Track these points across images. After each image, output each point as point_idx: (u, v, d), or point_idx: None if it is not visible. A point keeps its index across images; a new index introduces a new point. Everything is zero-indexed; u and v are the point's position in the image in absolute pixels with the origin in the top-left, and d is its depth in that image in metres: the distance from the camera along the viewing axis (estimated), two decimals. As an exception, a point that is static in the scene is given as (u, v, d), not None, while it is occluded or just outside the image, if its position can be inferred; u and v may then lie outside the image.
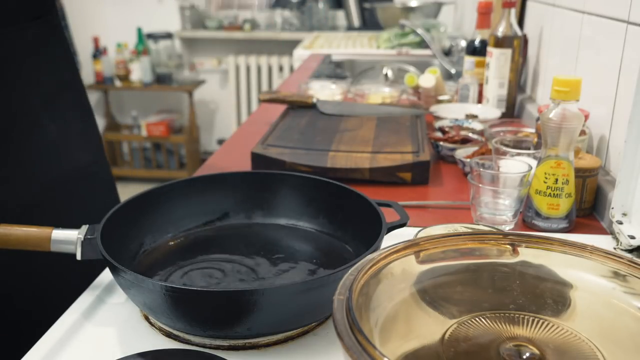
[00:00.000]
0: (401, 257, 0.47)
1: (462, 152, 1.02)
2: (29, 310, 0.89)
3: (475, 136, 1.11)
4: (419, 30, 2.01)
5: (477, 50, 1.41)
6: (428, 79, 1.42)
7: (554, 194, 0.77)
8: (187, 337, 0.56)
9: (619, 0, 0.88)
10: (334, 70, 2.02)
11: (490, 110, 1.29)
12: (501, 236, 0.50)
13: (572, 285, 0.48)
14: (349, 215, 0.71)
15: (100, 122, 3.75)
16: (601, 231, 0.80)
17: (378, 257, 0.45)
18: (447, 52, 2.03)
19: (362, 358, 0.34)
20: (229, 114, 3.96)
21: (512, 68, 1.32)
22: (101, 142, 0.92)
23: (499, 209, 0.79)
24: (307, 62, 2.23)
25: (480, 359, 0.42)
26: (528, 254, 0.49)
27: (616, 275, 0.46)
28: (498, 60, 1.31)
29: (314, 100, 1.27)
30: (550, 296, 0.47)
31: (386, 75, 1.74)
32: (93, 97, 3.82)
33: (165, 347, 0.54)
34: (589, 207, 0.84)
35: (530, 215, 0.80)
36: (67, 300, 0.63)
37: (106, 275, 0.67)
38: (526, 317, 0.45)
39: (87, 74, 3.75)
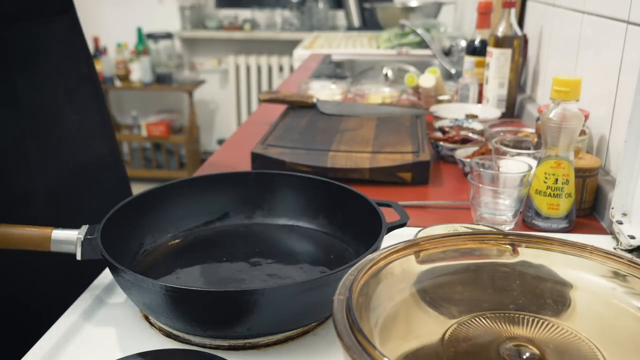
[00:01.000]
0: (401, 257, 0.47)
1: (462, 152, 1.02)
2: (29, 310, 0.89)
3: (475, 136, 1.11)
4: (419, 30, 2.01)
5: (477, 50, 1.41)
6: (428, 79, 1.42)
7: (554, 194, 0.77)
8: (187, 337, 0.56)
9: (619, 0, 0.88)
10: (334, 70, 2.02)
11: (490, 110, 1.29)
12: (501, 236, 0.50)
13: (572, 285, 0.48)
14: (349, 215, 0.71)
15: (100, 122, 3.74)
16: (601, 231, 0.80)
17: (378, 257, 0.45)
18: (447, 52, 2.03)
19: (362, 358, 0.34)
20: (229, 114, 3.96)
21: (512, 68, 1.32)
22: (114, 134, 0.96)
23: (499, 209, 0.79)
24: (307, 62, 2.23)
25: (480, 359, 0.42)
26: (528, 254, 0.49)
27: (616, 275, 0.46)
28: (498, 60, 1.31)
29: (314, 100, 1.27)
30: (550, 296, 0.47)
31: (386, 75, 1.74)
32: (93, 97, 3.81)
33: (165, 347, 0.54)
34: (589, 207, 0.84)
35: (530, 215, 0.80)
36: (67, 300, 0.63)
37: (106, 275, 0.67)
38: (526, 317, 0.45)
39: (87, 74, 3.74)
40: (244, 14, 3.86)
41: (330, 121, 1.16)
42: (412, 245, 0.47)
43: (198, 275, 0.64)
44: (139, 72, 3.65)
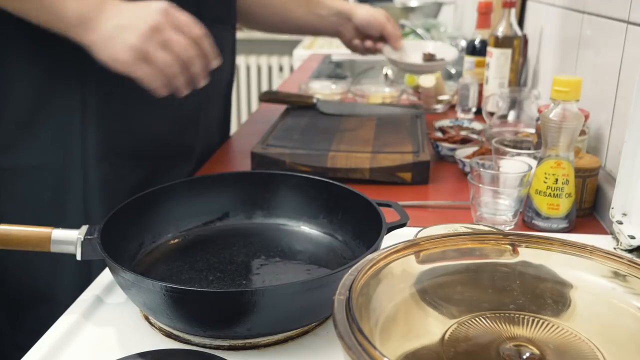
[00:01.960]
0: (401, 257, 0.47)
1: (462, 152, 1.02)
2: (28, 309, 0.89)
3: (475, 136, 1.11)
4: (419, 30, 2.00)
5: (477, 50, 1.41)
6: (428, 79, 1.42)
7: (554, 194, 0.77)
8: (187, 337, 0.56)
9: (619, 0, 0.88)
10: (334, 70, 2.02)
11: (447, 48, 1.32)
12: (501, 236, 0.50)
13: (572, 285, 0.48)
14: (349, 215, 0.71)
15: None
16: (601, 231, 0.80)
17: (378, 257, 0.45)
18: (447, 52, 2.03)
19: (362, 358, 0.34)
20: (229, 114, 3.96)
21: (512, 68, 1.32)
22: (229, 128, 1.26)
23: (499, 209, 0.79)
24: (307, 62, 2.23)
25: (480, 359, 0.42)
26: (528, 254, 0.49)
27: (616, 275, 0.46)
28: (498, 60, 1.31)
29: (314, 100, 1.27)
30: (550, 296, 0.47)
31: (386, 75, 1.74)
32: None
33: (165, 347, 0.54)
34: (589, 207, 0.84)
35: (530, 215, 0.80)
36: (67, 300, 0.63)
37: (106, 275, 0.67)
38: (526, 317, 0.45)
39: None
40: (244, 14, 3.86)
41: (330, 121, 1.16)
42: (412, 245, 0.47)
43: (198, 275, 0.64)
44: (139, 72, 3.64)
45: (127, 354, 0.52)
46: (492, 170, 0.82)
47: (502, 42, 1.30)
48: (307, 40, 2.86)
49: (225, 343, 0.55)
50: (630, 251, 0.71)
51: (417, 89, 1.51)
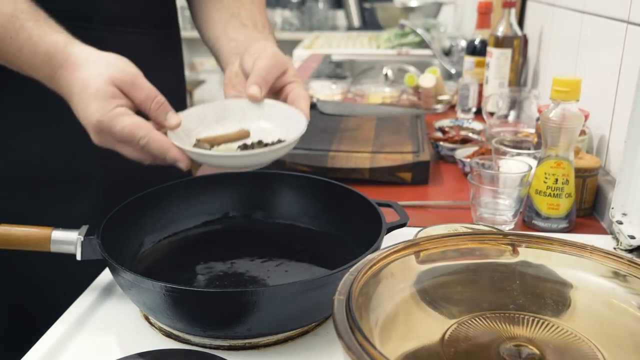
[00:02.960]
0: (401, 257, 0.47)
1: (462, 152, 1.02)
2: (28, 310, 0.89)
3: (475, 136, 1.11)
4: (419, 30, 2.01)
5: (477, 50, 1.41)
6: (428, 79, 1.42)
7: (554, 194, 0.77)
8: (187, 337, 0.56)
9: (619, 0, 0.88)
10: (334, 70, 2.02)
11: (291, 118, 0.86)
12: (501, 236, 0.50)
13: (572, 285, 0.48)
14: (349, 215, 0.71)
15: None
16: (601, 231, 0.80)
17: (378, 257, 0.45)
18: (447, 52, 2.03)
19: (362, 358, 0.34)
20: (229, 114, 3.95)
21: (512, 68, 1.32)
22: None
23: (499, 209, 0.79)
24: (307, 62, 2.23)
25: (480, 359, 0.42)
26: (528, 254, 0.49)
27: (616, 275, 0.46)
28: (498, 60, 1.31)
29: (314, 100, 1.27)
30: (550, 296, 0.47)
31: (386, 75, 1.74)
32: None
33: (165, 347, 0.54)
34: (589, 207, 0.84)
35: (530, 215, 0.80)
36: (67, 300, 0.63)
37: (106, 275, 0.67)
38: (526, 317, 0.45)
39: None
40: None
41: (330, 121, 1.16)
42: (412, 245, 0.47)
43: (198, 275, 0.64)
44: (139, 72, 3.64)
45: (127, 354, 0.52)
46: (492, 170, 0.82)
47: (502, 42, 1.30)
48: (307, 40, 2.87)
49: (225, 343, 0.55)
50: (630, 251, 0.71)
51: (417, 89, 1.51)
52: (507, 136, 1.02)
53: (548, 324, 0.45)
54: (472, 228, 0.69)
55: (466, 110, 1.36)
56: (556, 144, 0.75)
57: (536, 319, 0.45)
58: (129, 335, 0.57)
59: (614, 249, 0.73)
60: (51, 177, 0.81)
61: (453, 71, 1.77)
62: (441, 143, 1.07)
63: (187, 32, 3.66)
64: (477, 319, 0.45)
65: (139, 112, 0.65)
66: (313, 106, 1.26)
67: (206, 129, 0.70)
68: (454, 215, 0.86)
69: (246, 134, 0.70)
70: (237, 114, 0.71)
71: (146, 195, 0.70)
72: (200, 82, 3.73)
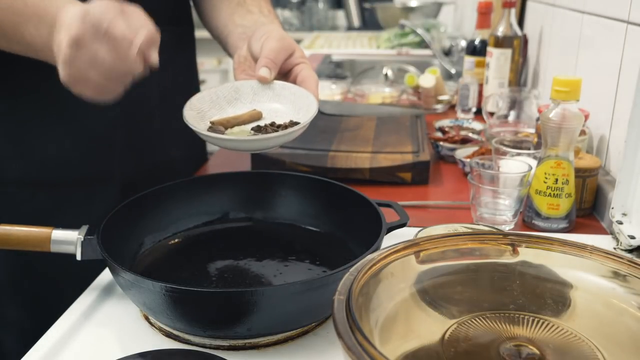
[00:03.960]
0: (401, 257, 0.47)
1: (462, 152, 1.02)
2: (28, 310, 0.89)
3: (475, 136, 1.11)
4: (419, 30, 2.01)
5: (477, 50, 1.41)
6: (428, 79, 1.42)
7: (554, 194, 0.77)
8: (187, 337, 0.56)
9: (619, 0, 0.88)
10: (334, 70, 2.02)
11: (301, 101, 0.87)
12: (501, 236, 0.50)
13: (572, 285, 0.48)
14: (349, 215, 0.71)
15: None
16: (601, 231, 0.80)
17: (378, 257, 0.45)
18: (447, 52, 2.03)
19: (362, 358, 0.34)
20: (229, 114, 3.95)
21: (512, 68, 1.32)
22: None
23: (499, 209, 0.79)
24: (307, 62, 2.23)
25: (480, 359, 0.42)
26: (528, 254, 0.49)
27: (616, 275, 0.46)
28: (498, 60, 1.31)
29: (314, 100, 1.27)
30: (550, 296, 0.47)
31: (386, 75, 1.74)
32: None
33: (165, 347, 0.54)
34: (589, 207, 0.84)
35: (530, 215, 0.80)
36: (67, 300, 0.63)
37: (106, 275, 0.67)
38: (526, 317, 0.45)
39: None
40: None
41: (330, 121, 1.16)
42: (412, 245, 0.47)
43: (198, 275, 0.64)
44: (139, 72, 3.64)
45: (127, 354, 0.52)
46: (492, 170, 0.82)
47: (502, 42, 1.30)
48: (307, 40, 2.87)
49: (225, 343, 0.55)
50: (630, 251, 0.71)
51: (417, 89, 1.51)
52: (507, 136, 1.02)
53: (548, 324, 0.45)
54: (472, 228, 0.69)
55: (466, 110, 1.36)
56: (556, 144, 0.75)
57: (536, 319, 0.45)
58: (129, 335, 0.57)
59: (614, 249, 0.73)
60: (71, 178, 0.82)
61: (453, 71, 1.77)
62: (441, 143, 1.07)
63: (187, 32, 3.68)
64: (477, 319, 0.45)
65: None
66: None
67: (219, 111, 0.71)
68: (454, 215, 0.86)
69: (259, 116, 0.70)
70: (248, 96, 0.72)
71: (146, 195, 0.70)
72: (200, 82, 3.74)
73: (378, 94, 1.49)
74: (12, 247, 0.61)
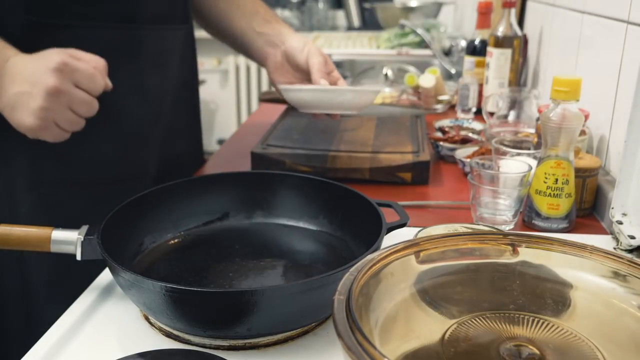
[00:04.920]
0: (401, 257, 0.47)
1: (462, 152, 1.02)
2: (28, 310, 0.89)
3: (475, 136, 1.11)
4: (419, 30, 2.01)
5: (477, 50, 1.41)
6: (428, 79, 1.42)
7: (554, 194, 0.77)
8: (187, 337, 0.56)
9: (619, 0, 0.88)
10: (334, 70, 2.01)
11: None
12: (501, 236, 0.50)
13: (572, 285, 0.48)
14: (349, 215, 0.71)
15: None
16: (601, 231, 0.80)
17: (378, 257, 0.45)
18: (447, 52, 2.03)
19: (362, 358, 0.34)
20: (229, 114, 3.96)
21: (512, 68, 1.32)
22: (200, 137, 1.13)
23: (499, 209, 0.79)
24: (307, 62, 2.23)
25: (480, 359, 0.42)
26: (528, 254, 0.49)
27: (616, 275, 0.46)
28: (498, 60, 1.31)
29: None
30: (550, 296, 0.47)
31: (386, 75, 1.74)
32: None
33: (165, 347, 0.54)
34: (589, 207, 0.84)
35: (530, 215, 0.80)
36: (67, 300, 0.63)
37: (106, 275, 0.67)
38: (526, 317, 0.45)
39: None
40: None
41: (331, 121, 1.16)
42: (412, 245, 0.47)
43: (198, 275, 0.64)
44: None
45: (127, 354, 0.52)
46: (492, 170, 0.82)
47: (502, 42, 1.30)
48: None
49: (225, 343, 0.55)
50: (630, 251, 0.71)
51: (417, 89, 1.51)
52: (507, 136, 1.02)
53: (548, 324, 0.45)
54: (472, 228, 0.69)
55: (466, 110, 1.36)
56: (556, 144, 0.75)
57: (536, 319, 0.45)
58: (129, 335, 0.57)
59: (614, 249, 0.73)
60: (107, 176, 0.86)
61: (453, 71, 1.77)
62: (441, 143, 1.07)
63: (187, 32, 3.67)
64: (477, 319, 0.45)
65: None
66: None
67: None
68: (454, 215, 0.86)
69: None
70: None
71: (146, 195, 0.70)
72: (200, 82, 3.74)
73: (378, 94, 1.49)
74: (12, 247, 0.61)
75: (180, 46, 0.97)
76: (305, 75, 0.96)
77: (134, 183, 0.85)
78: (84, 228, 0.61)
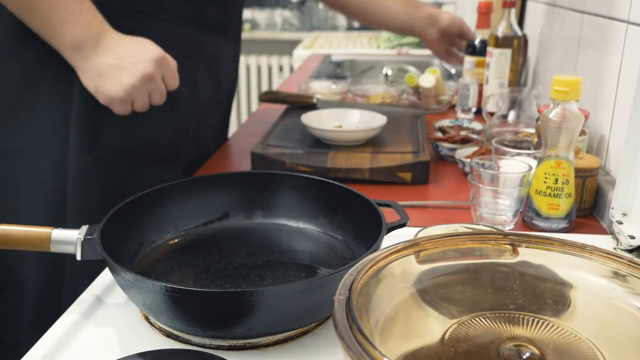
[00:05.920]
0: (401, 257, 0.47)
1: (462, 152, 1.02)
2: (28, 309, 0.89)
3: (475, 136, 1.11)
4: (419, 30, 2.00)
5: (477, 50, 1.41)
6: (428, 79, 1.42)
7: (554, 194, 0.77)
8: (187, 337, 0.56)
9: (619, 0, 0.88)
10: (334, 70, 2.02)
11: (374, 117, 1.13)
12: (501, 236, 0.50)
13: (572, 285, 0.48)
14: (349, 215, 0.71)
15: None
16: (601, 231, 0.80)
17: (378, 257, 0.45)
18: (447, 52, 2.03)
19: (362, 358, 0.34)
20: (229, 114, 3.96)
21: (512, 68, 1.32)
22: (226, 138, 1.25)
23: (499, 209, 0.79)
24: (307, 62, 2.23)
25: (480, 359, 0.42)
26: (528, 254, 0.49)
27: (616, 275, 0.46)
28: (498, 60, 1.31)
29: (314, 100, 1.27)
30: (550, 296, 0.47)
31: (386, 75, 1.74)
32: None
33: (165, 347, 0.54)
34: (589, 207, 0.84)
35: (530, 215, 0.80)
36: (67, 300, 0.63)
37: (106, 275, 0.67)
38: (526, 317, 0.45)
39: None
40: (244, 13, 3.86)
41: (330, 121, 1.16)
42: (412, 245, 0.47)
43: (198, 275, 0.64)
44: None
45: (127, 354, 0.52)
46: (492, 170, 0.82)
47: (502, 42, 1.30)
48: (307, 40, 2.87)
49: (225, 343, 0.55)
50: (630, 251, 0.71)
51: (417, 89, 1.51)
52: (507, 136, 1.02)
53: (548, 324, 0.45)
54: (472, 228, 0.69)
55: (466, 110, 1.36)
56: (556, 144, 0.75)
57: (536, 319, 0.45)
58: (129, 335, 0.57)
59: (614, 249, 0.73)
60: (154, 153, 0.95)
61: (453, 71, 1.77)
62: (441, 143, 1.07)
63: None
64: (477, 319, 0.45)
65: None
66: (313, 106, 1.26)
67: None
68: (454, 215, 0.86)
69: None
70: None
71: (146, 195, 0.70)
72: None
73: (378, 94, 1.49)
74: (12, 247, 0.61)
75: (230, 58, 1.11)
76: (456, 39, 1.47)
77: (168, 164, 0.98)
78: (84, 228, 0.62)
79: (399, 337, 0.43)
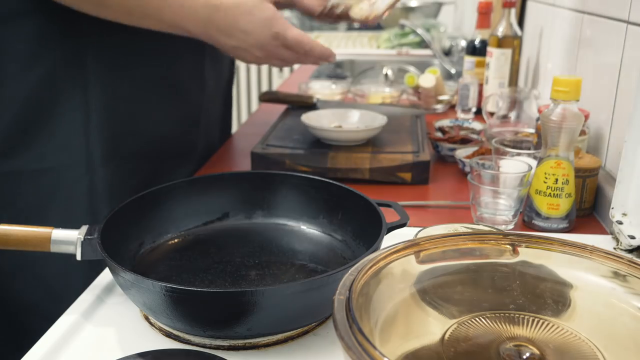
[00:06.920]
0: (401, 257, 0.47)
1: (462, 152, 1.02)
2: (28, 309, 0.89)
3: (475, 136, 1.11)
4: (419, 30, 2.00)
5: (477, 50, 1.41)
6: (428, 79, 1.42)
7: (554, 194, 0.77)
8: (187, 337, 0.56)
9: (619, 0, 0.88)
10: (334, 70, 2.02)
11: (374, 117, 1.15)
12: (501, 236, 0.50)
13: (572, 285, 0.48)
14: (349, 215, 0.71)
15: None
16: (601, 231, 0.80)
17: (378, 257, 0.45)
18: (447, 52, 2.03)
19: (362, 358, 0.34)
20: (229, 114, 3.96)
21: (512, 68, 1.32)
22: (230, 127, 1.29)
23: (499, 209, 0.79)
24: (307, 62, 2.22)
25: (480, 359, 0.42)
26: (528, 254, 0.49)
27: (616, 275, 0.46)
28: (498, 60, 1.31)
29: (314, 100, 1.28)
30: (550, 296, 0.47)
31: (386, 75, 1.74)
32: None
33: (165, 347, 0.54)
34: (589, 207, 0.84)
35: (530, 215, 0.80)
36: (67, 300, 0.63)
37: (106, 275, 0.67)
38: (526, 317, 0.45)
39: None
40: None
41: (330, 121, 1.16)
42: (412, 245, 0.47)
43: (198, 275, 0.64)
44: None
45: (127, 354, 0.52)
46: (492, 170, 0.82)
47: (502, 42, 1.30)
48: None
49: (225, 343, 0.55)
50: (630, 251, 0.71)
51: (417, 89, 1.51)
52: (507, 136, 1.02)
53: (548, 324, 0.45)
54: (472, 228, 0.69)
55: (466, 110, 1.36)
56: (556, 144, 0.75)
57: (536, 319, 0.45)
58: (129, 335, 0.57)
59: (614, 249, 0.73)
60: (167, 152, 0.97)
61: (453, 71, 1.77)
62: (441, 143, 1.07)
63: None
64: (477, 319, 0.45)
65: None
66: (313, 106, 1.26)
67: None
68: (454, 215, 0.86)
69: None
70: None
71: (146, 195, 0.70)
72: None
73: (378, 94, 1.49)
74: (12, 247, 0.61)
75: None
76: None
77: (184, 159, 1.01)
78: (84, 228, 0.62)
79: (399, 337, 0.43)
